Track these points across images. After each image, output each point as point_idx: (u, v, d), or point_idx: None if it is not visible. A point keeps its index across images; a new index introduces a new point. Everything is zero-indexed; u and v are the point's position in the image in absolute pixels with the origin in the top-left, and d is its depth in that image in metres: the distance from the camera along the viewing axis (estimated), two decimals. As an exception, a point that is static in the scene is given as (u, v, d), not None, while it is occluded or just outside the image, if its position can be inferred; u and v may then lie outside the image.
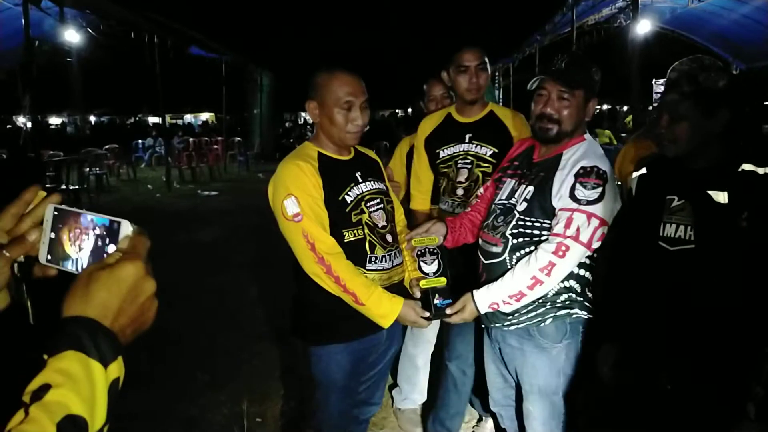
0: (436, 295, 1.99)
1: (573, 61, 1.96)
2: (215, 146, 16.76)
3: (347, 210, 1.97)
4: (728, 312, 1.66)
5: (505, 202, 2.01)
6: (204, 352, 3.97)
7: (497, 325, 2.01)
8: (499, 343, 2.07)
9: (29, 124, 13.01)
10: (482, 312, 1.93)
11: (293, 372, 3.56)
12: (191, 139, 17.22)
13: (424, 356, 3.08)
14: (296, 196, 1.86)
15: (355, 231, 1.98)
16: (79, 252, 0.75)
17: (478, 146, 2.57)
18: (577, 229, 1.79)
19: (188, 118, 37.87)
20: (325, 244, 1.87)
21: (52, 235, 0.77)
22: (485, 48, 2.58)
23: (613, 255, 1.89)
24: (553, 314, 1.91)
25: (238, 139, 17.99)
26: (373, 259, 2.00)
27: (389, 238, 2.07)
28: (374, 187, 2.08)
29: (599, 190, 1.81)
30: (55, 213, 0.77)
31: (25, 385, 0.57)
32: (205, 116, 37.78)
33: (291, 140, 21.84)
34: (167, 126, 18.54)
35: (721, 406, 1.70)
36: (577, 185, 1.82)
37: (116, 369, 0.61)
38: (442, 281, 2.03)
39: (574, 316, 1.92)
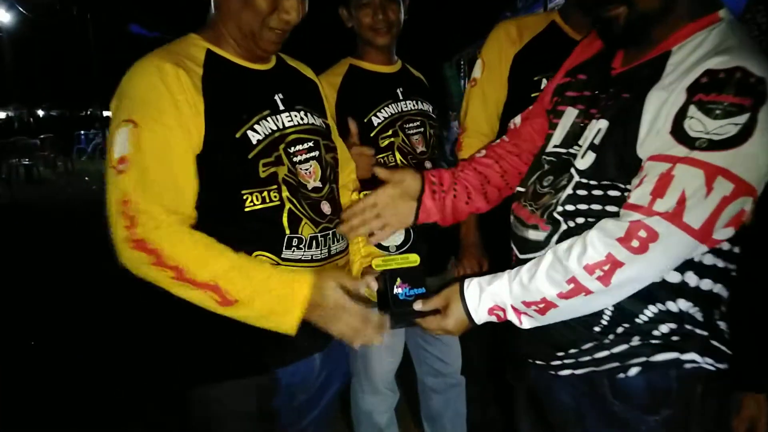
0: (398, 281, 1.11)
1: None
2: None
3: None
4: None
5: (561, 150, 1.11)
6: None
7: (538, 362, 1.13)
8: (541, 393, 1.18)
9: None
10: (478, 321, 1.06)
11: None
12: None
13: (386, 409, 1.95)
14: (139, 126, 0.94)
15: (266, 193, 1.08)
16: None
17: (419, 102, 1.81)
18: (682, 198, 0.91)
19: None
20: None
21: None
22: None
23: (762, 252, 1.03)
24: (645, 358, 1.03)
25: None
26: (295, 241, 1.12)
27: (325, 207, 1.20)
28: (307, 121, 1.18)
29: (742, 118, 0.91)
30: None
31: None
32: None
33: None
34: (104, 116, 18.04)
35: None
36: (692, 109, 0.93)
37: None
38: (413, 259, 1.19)
39: (689, 365, 1.03)
